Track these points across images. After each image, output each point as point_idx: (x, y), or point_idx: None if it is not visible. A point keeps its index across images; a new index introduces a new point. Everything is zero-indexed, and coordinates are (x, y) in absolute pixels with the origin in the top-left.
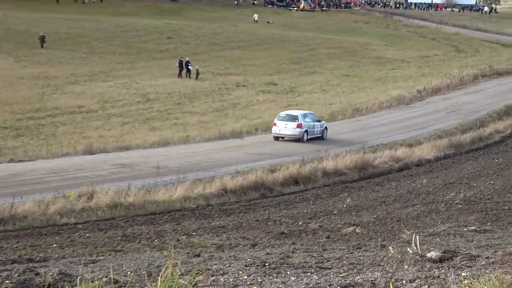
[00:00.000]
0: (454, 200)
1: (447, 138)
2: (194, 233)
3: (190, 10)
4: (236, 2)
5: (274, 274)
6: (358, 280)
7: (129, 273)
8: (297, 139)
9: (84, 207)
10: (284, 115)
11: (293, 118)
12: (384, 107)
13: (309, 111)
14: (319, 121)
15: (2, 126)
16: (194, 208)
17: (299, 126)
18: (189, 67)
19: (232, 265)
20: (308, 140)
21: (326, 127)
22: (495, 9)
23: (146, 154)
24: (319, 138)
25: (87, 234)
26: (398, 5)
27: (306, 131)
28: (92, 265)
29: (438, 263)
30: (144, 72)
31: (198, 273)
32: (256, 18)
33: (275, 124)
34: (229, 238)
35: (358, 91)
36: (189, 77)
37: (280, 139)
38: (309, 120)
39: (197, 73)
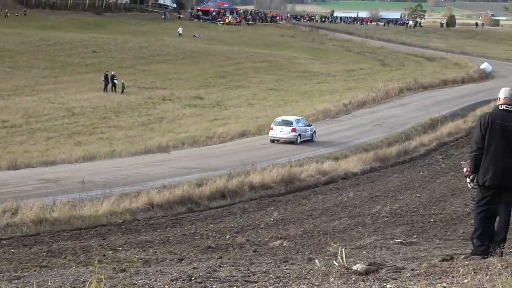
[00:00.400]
0: (380, 213)
1: (373, 151)
2: (120, 248)
3: (116, 23)
4: (163, 16)
5: None
6: None
7: None
8: (291, 142)
9: (8, 222)
10: (280, 121)
11: (288, 123)
12: (311, 121)
13: (301, 117)
14: (309, 126)
15: None
16: (121, 223)
17: (294, 130)
18: (115, 81)
19: (158, 279)
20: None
21: (314, 131)
22: (420, 23)
23: (71, 169)
24: (310, 141)
25: (12, 250)
26: (323, 19)
27: (299, 134)
28: (16, 281)
29: (364, 276)
30: (69, 86)
31: None
32: (180, 32)
33: (271, 129)
34: (156, 252)
35: (284, 105)
36: (115, 91)
37: (275, 141)
38: (302, 125)
39: (123, 87)
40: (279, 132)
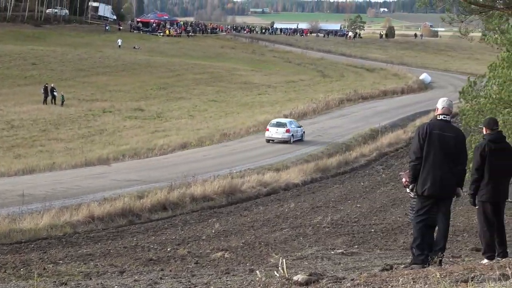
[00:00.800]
0: (322, 223)
1: (314, 162)
2: (61, 261)
3: (55, 35)
4: (106, 28)
5: None
6: None
7: None
8: (286, 141)
9: None
10: (275, 123)
11: (283, 125)
12: (252, 132)
13: (292, 119)
14: (300, 127)
15: None
16: (61, 236)
17: (288, 131)
18: (54, 93)
19: None
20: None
21: (304, 132)
22: (359, 34)
23: (11, 182)
24: (300, 140)
25: None
26: (264, 31)
27: (292, 134)
28: None
29: (304, 286)
30: (8, 98)
31: None
32: (119, 43)
33: (267, 130)
34: (97, 265)
35: (225, 116)
36: (55, 104)
37: (271, 141)
38: (294, 126)
39: (63, 99)
40: (275, 133)
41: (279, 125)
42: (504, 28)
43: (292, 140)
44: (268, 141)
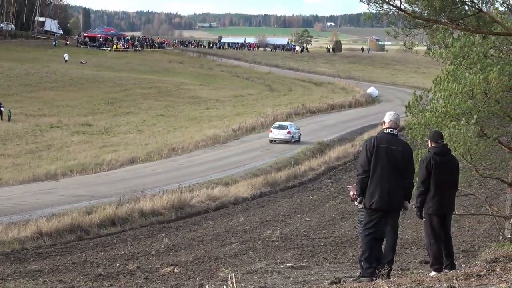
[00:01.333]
0: (271, 237)
1: (263, 176)
2: (9, 278)
3: (1, 50)
4: (54, 43)
5: None
6: None
7: None
8: (287, 142)
9: None
10: (278, 125)
11: (284, 127)
12: (200, 147)
13: (292, 123)
14: (298, 129)
15: None
16: (9, 252)
17: (289, 132)
18: (1, 108)
19: None
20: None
21: (300, 134)
22: (307, 49)
23: None
24: (297, 141)
25: None
26: (211, 45)
27: (292, 136)
28: None
29: None
30: None
31: None
32: (66, 58)
33: (271, 131)
34: (45, 281)
35: (174, 131)
36: (1, 119)
37: (273, 142)
38: (293, 129)
39: (9, 115)
40: (277, 134)
41: (281, 127)
42: (448, 42)
43: (292, 141)
44: (271, 141)
